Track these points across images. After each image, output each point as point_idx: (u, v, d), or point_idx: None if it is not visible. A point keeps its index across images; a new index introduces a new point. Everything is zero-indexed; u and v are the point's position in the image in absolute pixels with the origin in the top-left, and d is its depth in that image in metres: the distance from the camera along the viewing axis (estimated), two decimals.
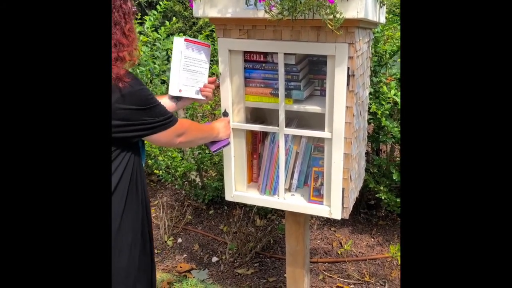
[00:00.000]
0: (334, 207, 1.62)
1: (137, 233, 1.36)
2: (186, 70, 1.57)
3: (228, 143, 1.67)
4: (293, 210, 1.73)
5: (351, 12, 1.34)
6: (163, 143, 1.40)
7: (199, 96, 1.63)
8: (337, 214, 1.62)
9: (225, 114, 1.65)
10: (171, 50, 3.03)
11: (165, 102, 1.58)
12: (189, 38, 1.56)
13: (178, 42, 1.55)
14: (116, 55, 1.22)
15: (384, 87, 2.25)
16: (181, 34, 3.15)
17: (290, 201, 1.71)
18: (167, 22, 3.06)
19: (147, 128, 1.29)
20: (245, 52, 1.60)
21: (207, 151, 2.98)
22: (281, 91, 1.55)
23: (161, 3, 3.06)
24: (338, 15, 1.30)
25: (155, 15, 3.04)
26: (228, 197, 1.80)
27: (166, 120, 1.34)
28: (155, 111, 1.29)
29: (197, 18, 5.53)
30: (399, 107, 2.21)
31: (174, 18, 3.29)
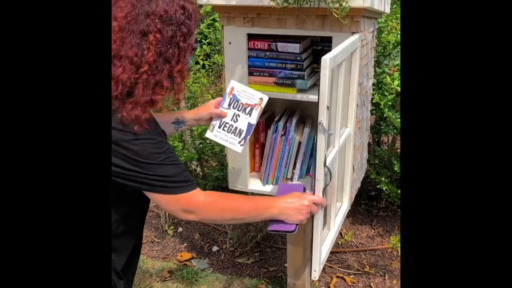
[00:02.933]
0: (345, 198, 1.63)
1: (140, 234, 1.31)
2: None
3: (294, 230, 1.26)
4: None
5: (357, 1, 1.32)
6: (165, 209, 1.16)
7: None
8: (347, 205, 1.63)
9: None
10: None
11: (166, 124, 1.37)
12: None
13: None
14: (149, 99, 1.05)
15: (388, 77, 2.24)
16: None
17: None
18: None
19: (141, 181, 1.07)
20: (249, 40, 1.59)
21: (208, 141, 2.97)
22: None
23: None
24: (344, 4, 1.29)
25: None
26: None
27: (171, 183, 1.10)
28: (156, 168, 1.07)
29: (199, 7, 5.49)
30: None
31: None
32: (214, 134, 1.42)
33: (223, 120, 1.41)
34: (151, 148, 1.06)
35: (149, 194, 1.13)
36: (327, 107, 1.17)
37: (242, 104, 1.41)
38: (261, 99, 1.43)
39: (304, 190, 1.34)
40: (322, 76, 1.15)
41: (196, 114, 1.42)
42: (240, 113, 1.41)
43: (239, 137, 1.40)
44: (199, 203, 1.13)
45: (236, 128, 1.40)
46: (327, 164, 1.25)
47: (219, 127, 1.42)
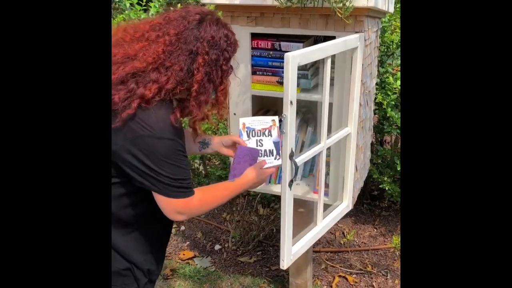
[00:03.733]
0: (345, 197, 1.63)
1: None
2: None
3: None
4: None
5: (361, 1, 1.32)
6: (161, 209, 1.21)
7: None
8: (348, 204, 1.63)
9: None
10: None
11: (193, 141, 1.48)
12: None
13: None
14: (203, 116, 1.18)
15: (390, 77, 2.24)
16: None
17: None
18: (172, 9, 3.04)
19: (148, 175, 1.13)
20: (252, 40, 1.59)
21: None
22: None
23: None
24: (347, 3, 1.29)
25: (159, 1, 3.01)
26: None
27: (176, 187, 1.16)
28: (172, 169, 1.15)
29: (202, 5, 5.49)
30: None
31: (179, 5, 3.27)
32: None
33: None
34: (175, 149, 1.14)
35: (154, 194, 1.19)
36: (291, 102, 1.22)
37: (259, 130, 1.49)
38: (273, 120, 1.51)
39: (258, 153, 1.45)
40: (285, 71, 1.20)
41: (220, 139, 1.52)
42: (261, 137, 1.48)
43: (272, 155, 1.48)
44: (193, 206, 1.22)
45: (264, 150, 1.48)
46: (294, 158, 1.29)
47: None
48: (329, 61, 1.35)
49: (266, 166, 1.47)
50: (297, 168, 1.32)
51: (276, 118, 1.51)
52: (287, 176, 1.29)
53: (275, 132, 1.50)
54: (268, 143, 1.48)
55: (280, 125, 1.39)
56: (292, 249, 1.42)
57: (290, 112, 1.23)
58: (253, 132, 1.48)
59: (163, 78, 1.12)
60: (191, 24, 1.16)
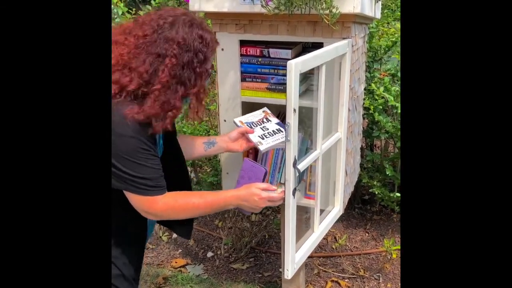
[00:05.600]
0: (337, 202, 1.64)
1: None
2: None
3: (250, 214, 1.50)
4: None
5: (347, 7, 1.34)
6: (131, 203, 1.22)
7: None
8: (339, 209, 1.64)
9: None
10: None
11: (197, 143, 1.51)
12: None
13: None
14: (155, 112, 1.12)
15: (373, 84, 2.23)
16: None
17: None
18: None
19: (113, 172, 1.14)
20: (241, 47, 1.60)
21: None
22: None
23: None
24: (334, 10, 1.31)
25: (149, 10, 3.02)
26: None
27: (140, 185, 1.17)
28: (135, 167, 1.15)
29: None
30: (391, 104, 2.21)
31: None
32: (266, 146, 1.48)
33: (259, 134, 1.50)
34: (137, 146, 1.14)
35: (124, 192, 1.20)
36: (294, 110, 1.22)
37: (257, 121, 1.53)
38: (264, 111, 1.55)
39: (266, 175, 1.39)
40: (288, 79, 1.20)
41: (226, 135, 1.53)
42: (263, 125, 1.53)
43: (281, 132, 1.51)
44: (158, 208, 1.21)
45: (272, 130, 1.51)
46: (297, 165, 1.28)
47: (263, 139, 1.50)
48: (324, 68, 1.36)
49: (277, 141, 1.46)
50: (300, 175, 1.31)
51: (264, 108, 1.56)
52: (291, 184, 1.27)
53: (273, 118, 1.53)
54: (272, 126, 1.52)
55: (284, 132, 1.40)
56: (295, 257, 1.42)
57: (293, 120, 1.22)
58: (253, 124, 1.51)
59: (126, 79, 1.12)
60: (162, 27, 1.15)
